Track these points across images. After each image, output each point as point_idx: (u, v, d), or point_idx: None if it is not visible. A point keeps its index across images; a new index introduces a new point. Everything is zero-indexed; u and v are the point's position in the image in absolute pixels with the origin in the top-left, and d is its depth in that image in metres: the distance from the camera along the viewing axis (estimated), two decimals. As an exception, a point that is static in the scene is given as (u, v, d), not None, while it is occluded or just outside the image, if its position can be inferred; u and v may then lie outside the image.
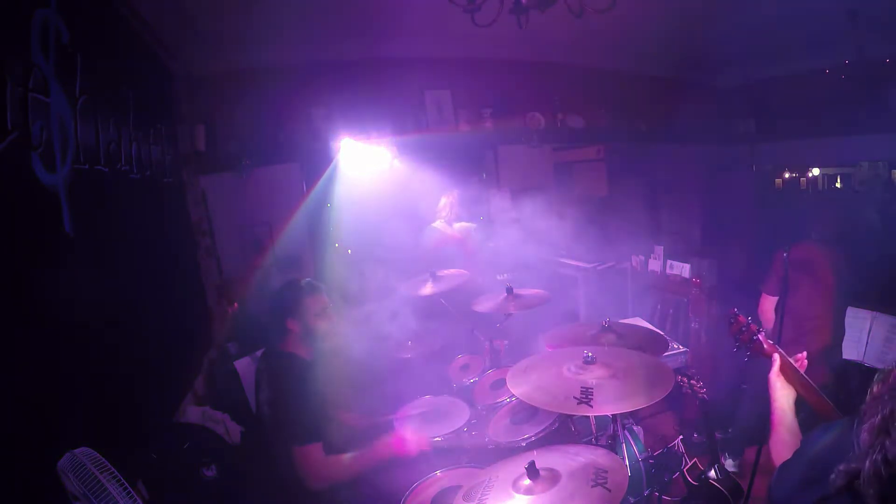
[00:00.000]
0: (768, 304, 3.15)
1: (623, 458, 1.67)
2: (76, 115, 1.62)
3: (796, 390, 1.34)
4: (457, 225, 4.01)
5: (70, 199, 1.50)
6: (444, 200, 4.01)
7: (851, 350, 3.24)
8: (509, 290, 2.69)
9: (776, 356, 1.35)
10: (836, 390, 3.22)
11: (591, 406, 1.49)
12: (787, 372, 1.33)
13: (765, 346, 1.47)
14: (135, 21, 2.48)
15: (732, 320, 1.57)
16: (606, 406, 1.52)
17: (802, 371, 1.35)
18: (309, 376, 2.10)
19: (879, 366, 3.08)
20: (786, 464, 0.97)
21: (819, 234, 3.03)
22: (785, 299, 3.05)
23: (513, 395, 2.32)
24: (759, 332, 1.49)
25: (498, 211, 4.82)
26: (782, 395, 1.33)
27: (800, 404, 1.33)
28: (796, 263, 2.99)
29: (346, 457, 2.01)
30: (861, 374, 3.25)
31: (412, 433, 2.11)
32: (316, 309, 2.17)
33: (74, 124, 1.60)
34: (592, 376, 1.63)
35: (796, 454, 0.95)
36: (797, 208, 3.24)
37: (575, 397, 1.51)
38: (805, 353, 1.38)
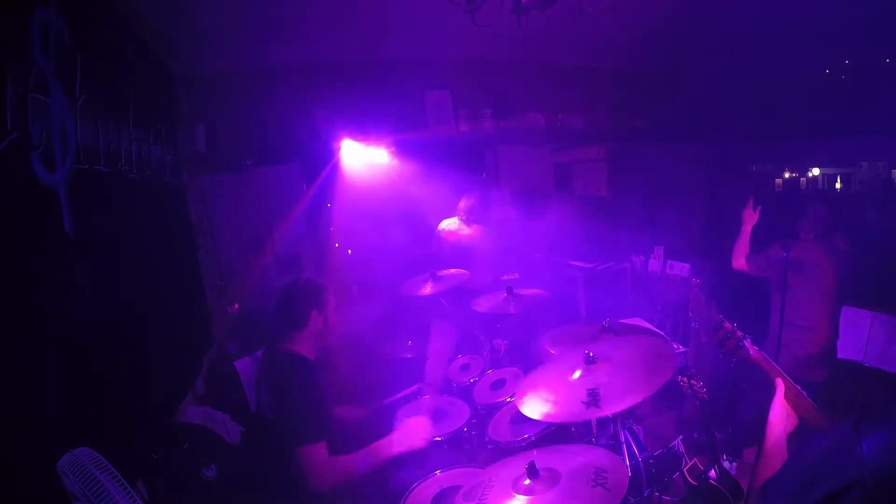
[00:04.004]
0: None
1: (623, 458, 1.66)
2: (76, 115, 1.62)
3: (799, 415, 1.28)
4: (474, 226, 4.02)
5: (70, 199, 1.49)
6: (464, 202, 4.03)
7: (851, 350, 3.24)
8: (509, 290, 2.69)
9: (779, 381, 1.31)
10: (835, 390, 3.22)
11: (600, 407, 1.46)
12: (791, 396, 1.28)
13: (751, 352, 1.45)
14: (135, 21, 2.48)
15: (717, 327, 1.53)
16: (613, 404, 1.48)
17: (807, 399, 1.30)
18: (312, 375, 2.10)
19: (880, 366, 3.10)
20: (776, 477, 0.94)
21: (808, 233, 3.02)
22: (784, 300, 3.05)
23: (513, 396, 2.32)
24: (744, 338, 1.47)
25: (498, 211, 4.82)
26: (781, 425, 1.25)
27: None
28: (795, 263, 2.98)
29: (351, 457, 1.99)
30: (861, 373, 3.26)
31: (415, 423, 2.07)
32: (333, 304, 2.19)
33: (74, 124, 1.60)
34: (595, 376, 1.62)
35: (787, 465, 0.93)
36: (795, 208, 3.24)
37: (583, 401, 1.49)
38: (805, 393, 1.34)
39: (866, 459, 0.73)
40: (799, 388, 1.30)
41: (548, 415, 1.53)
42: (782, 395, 1.29)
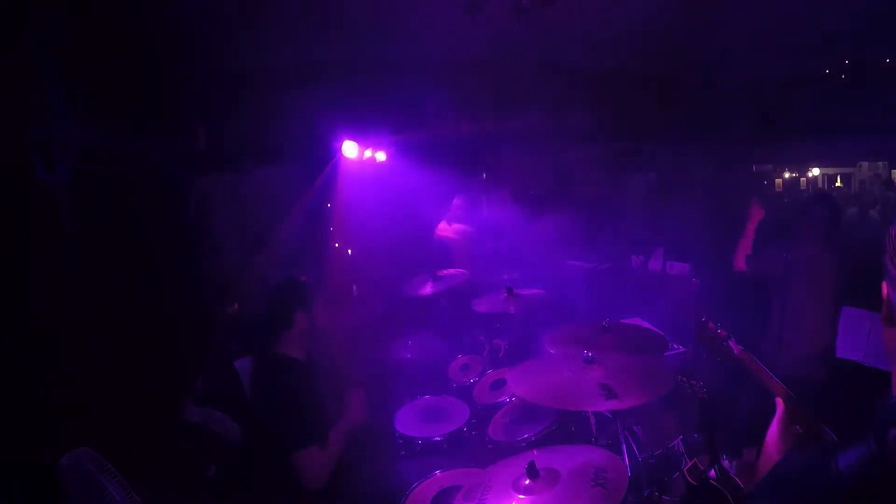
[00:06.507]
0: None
1: (623, 458, 1.67)
2: (76, 115, 1.62)
3: (796, 433, 1.24)
4: (455, 226, 4.03)
5: (70, 198, 1.50)
6: (454, 204, 4.06)
7: (851, 350, 3.24)
8: (509, 290, 2.69)
9: (779, 401, 1.28)
10: (835, 390, 3.22)
11: (619, 399, 1.54)
12: (790, 411, 1.26)
13: (735, 351, 1.47)
14: (136, 22, 2.48)
15: (702, 327, 1.56)
16: (632, 397, 1.56)
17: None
18: (304, 378, 2.09)
19: (880, 366, 3.09)
20: (755, 493, 0.95)
21: (808, 233, 3.02)
22: (784, 300, 3.04)
23: (513, 396, 2.32)
24: (728, 338, 1.49)
25: (498, 211, 4.83)
26: (777, 447, 1.23)
27: None
28: (795, 263, 2.98)
29: (328, 444, 2.00)
30: (861, 373, 3.26)
31: (358, 399, 2.13)
32: (317, 304, 2.18)
33: (74, 124, 1.60)
34: (602, 374, 1.66)
35: (765, 480, 0.93)
36: (795, 208, 3.25)
37: (600, 394, 1.55)
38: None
39: (843, 475, 0.75)
40: (794, 396, 1.28)
41: (556, 402, 1.64)
42: (781, 415, 1.26)
